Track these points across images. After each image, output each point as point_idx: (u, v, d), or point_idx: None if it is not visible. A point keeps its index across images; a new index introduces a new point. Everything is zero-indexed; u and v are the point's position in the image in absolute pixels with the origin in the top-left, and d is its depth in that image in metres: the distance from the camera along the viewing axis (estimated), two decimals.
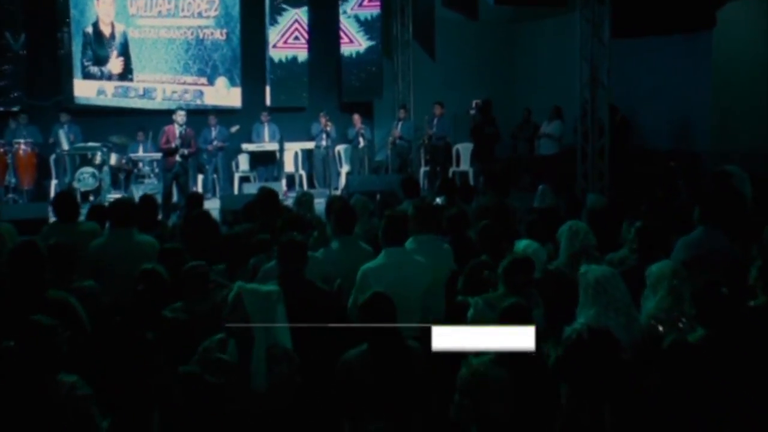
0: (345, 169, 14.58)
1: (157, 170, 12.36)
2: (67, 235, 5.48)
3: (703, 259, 5.19)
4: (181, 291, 4.28)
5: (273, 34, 14.75)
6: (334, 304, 4.51)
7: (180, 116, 11.24)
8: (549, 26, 15.30)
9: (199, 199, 7.30)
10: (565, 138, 13.39)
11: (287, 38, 14.85)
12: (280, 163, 13.63)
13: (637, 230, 4.76)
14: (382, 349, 3.65)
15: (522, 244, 4.93)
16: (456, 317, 4.71)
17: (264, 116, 14.17)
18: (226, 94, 14.58)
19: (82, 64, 13.79)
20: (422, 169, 14.31)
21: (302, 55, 14.94)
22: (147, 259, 5.07)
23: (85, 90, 13.85)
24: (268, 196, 6.27)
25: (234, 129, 13.72)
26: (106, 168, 12.09)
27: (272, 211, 6.06)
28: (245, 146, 13.96)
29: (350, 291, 4.74)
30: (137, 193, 11.57)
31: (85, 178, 11.76)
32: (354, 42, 15.32)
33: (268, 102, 14.77)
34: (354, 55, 15.36)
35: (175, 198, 11.40)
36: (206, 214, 6.20)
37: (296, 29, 14.86)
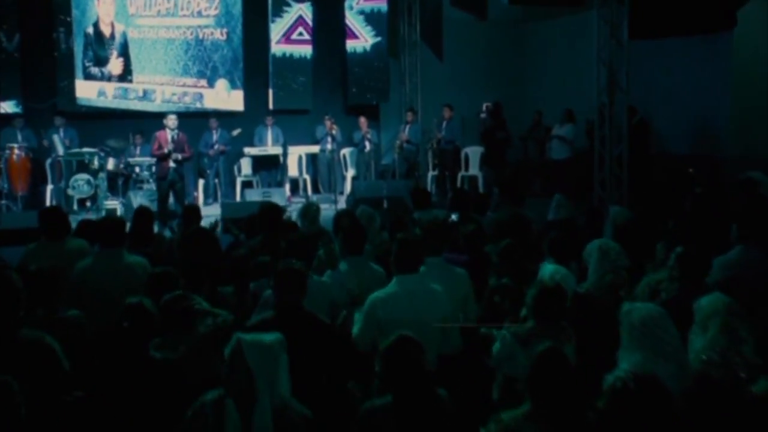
0: (351, 173, 14.15)
1: (156, 175, 11.94)
2: (53, 255, 5.14)
3: (742, 280, 4.78)
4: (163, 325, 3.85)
5: (275, 30, 14.31)
6: (335, 341, 4.08)
7: (171, 120, 10.79)
8: (560, 26, 14.88)
9: (196, 212, 6.81)
10: (576, 141, 12.98)
11: (290, 34, 14.40)
12: (283, 168, 13.20)
13: (679, 257, 4.21)
14: (410, 401, 3.19)
15: (548, 270, 4.50)
16: (478, 351, 4.31)
17: (269, 120, 13.75)
18: (226, 97, 14.14)
19: (83, 64, 13.40)
20: (430, 174, 13.90)
21: (306, 52, 14.49)
22: (137, 281, 4.74)
23: (86, 91, 13.45)
24: (269, 211, 5.81)
25: (236, 132, 13.29)
26: (102, 174, 11.66)
27: (274, 228, 5.64)
28: (247, 150, 13.54)
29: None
30: (135, 198, 11.18)
31: (80, 186, 11.34)
32: (360, 37, 14.81)
33: (270, 105, 14.34)
34: (360, 52, 14.87)
35: (171, 202, 10.96)
36: (204, 230, 5.79)
37: (300, 25, 14.42)
